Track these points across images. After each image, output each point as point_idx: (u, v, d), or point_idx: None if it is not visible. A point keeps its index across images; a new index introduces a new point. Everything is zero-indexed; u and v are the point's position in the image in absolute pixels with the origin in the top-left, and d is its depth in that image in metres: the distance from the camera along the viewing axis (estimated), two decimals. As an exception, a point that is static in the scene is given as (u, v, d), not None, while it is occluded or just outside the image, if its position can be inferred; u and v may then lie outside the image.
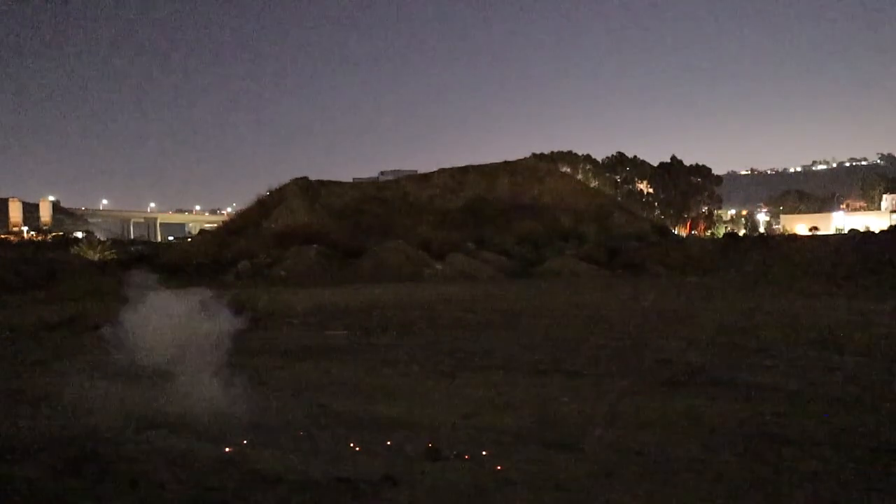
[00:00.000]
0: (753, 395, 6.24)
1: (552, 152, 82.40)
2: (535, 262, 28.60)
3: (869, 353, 8.30)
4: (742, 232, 77.32)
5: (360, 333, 10.77)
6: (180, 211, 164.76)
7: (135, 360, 5.89)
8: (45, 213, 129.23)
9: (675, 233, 57.22)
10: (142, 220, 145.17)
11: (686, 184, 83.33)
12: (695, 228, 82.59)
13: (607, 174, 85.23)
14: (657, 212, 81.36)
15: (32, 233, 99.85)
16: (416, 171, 51.23)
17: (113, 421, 5.34)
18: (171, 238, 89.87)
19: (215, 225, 52.00)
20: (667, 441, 4.85)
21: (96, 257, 31.92)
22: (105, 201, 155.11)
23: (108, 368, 6.20)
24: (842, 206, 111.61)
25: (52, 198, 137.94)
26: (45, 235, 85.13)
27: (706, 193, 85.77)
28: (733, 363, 7.80)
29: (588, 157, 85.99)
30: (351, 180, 46.64)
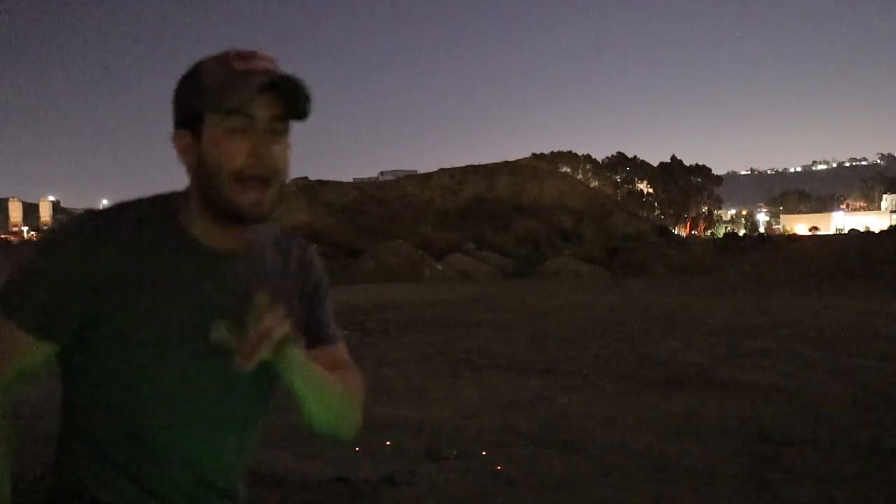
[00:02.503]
0: (753, 395, 6.24)
1: (552, 152, 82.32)
2: (535, 262, 28.63)
3: (869, 354, 8.29)
4: (742, 232, 77.25)
5: (360, 333, 10.76)
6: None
7: None
8: (45, 213, 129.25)
9: (675, 233, 57.17)
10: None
11: (686, 184, 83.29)
12: (695, 228, 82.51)
13: (607, 174, 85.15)
14: (657, 212, 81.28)
15: (32, 233, 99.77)
16: (416, 171, 51.19)
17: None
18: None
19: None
20: (666, 441, 4.85)
21: None
22: (105, 201, 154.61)
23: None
24: (842, 206, 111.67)
25: (52, 198, 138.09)
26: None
27: (706, 193, 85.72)
28: (733, 363, 7.79)
29: (588, 157, 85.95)
30: (351, 180, 46.64)
